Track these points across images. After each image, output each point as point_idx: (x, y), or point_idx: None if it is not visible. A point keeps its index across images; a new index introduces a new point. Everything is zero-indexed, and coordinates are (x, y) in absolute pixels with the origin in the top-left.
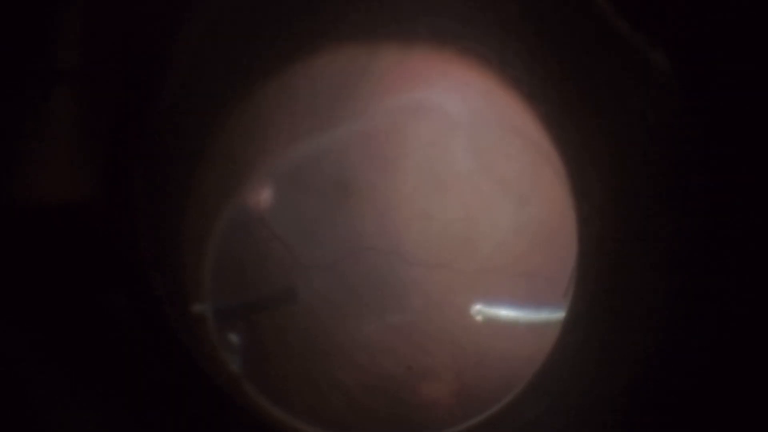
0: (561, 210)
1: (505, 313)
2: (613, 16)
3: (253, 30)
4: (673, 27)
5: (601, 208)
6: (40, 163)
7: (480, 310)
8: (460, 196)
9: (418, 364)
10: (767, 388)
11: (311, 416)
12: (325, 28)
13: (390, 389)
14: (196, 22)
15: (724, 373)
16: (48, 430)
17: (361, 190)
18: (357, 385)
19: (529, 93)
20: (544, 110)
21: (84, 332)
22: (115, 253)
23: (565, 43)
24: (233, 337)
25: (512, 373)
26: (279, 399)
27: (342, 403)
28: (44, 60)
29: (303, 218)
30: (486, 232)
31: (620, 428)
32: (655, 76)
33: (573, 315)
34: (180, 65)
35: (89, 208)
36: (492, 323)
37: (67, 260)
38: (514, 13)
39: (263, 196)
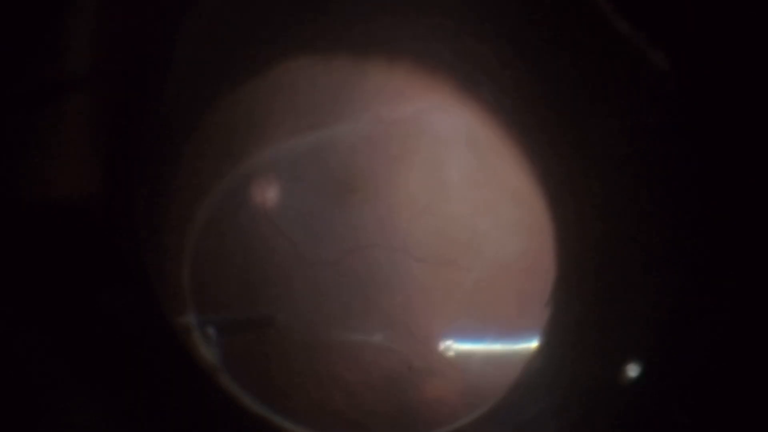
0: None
1: (476, 347)
2: (613, 16)
3: (251, 26)
4: (673, 27)
5: (597, 208)
6: (43, 164)
7: (450, 345)
8: (464, 193)
9: (421, 362)
10: (764, 390)
11: (313, 413)
12: (324, 32)
13: (392, 387)
14: (194, 20)
15: (722, 375)
16: (50, 425)
17: (365, 187)
18: (359, 383)
19: (529, 91)
20: (542, 109)
21: (84, 329)
22: (114, 252)
23: (565, 43)
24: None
25: (513, 370)
26: (281, 397)
27: (344, 400)
28: (50, 65)
29: (307, 215)
30: (490, 230)
31: (620, 421)
32: (655, 76)
33: (565, 318)
34: (179, 64)
35: (91, 207)
36: (464, 355)
37: (69, 258)
38: (514, 8)
39: (267, 192)
